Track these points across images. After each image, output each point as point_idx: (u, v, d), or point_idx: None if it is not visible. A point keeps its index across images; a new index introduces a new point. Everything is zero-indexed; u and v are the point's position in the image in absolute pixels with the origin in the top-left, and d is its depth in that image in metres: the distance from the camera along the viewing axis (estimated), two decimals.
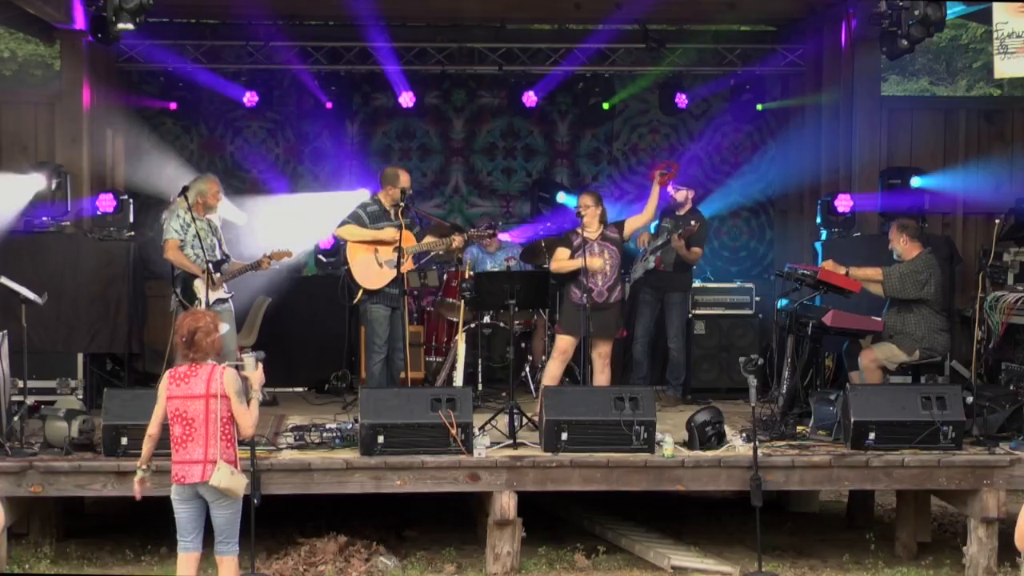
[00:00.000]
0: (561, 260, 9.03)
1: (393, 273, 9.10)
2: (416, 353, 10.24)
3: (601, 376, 8.97)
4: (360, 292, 9.29)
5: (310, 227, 11.06)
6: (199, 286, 8.77)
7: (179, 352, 6.25)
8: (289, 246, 9.35)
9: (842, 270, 8.87)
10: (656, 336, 10.42)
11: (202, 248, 8.66)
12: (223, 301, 8.91)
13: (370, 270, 9.21)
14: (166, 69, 11.51)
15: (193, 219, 8.71)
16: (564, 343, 9.00)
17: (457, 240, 9.37)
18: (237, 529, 6.31)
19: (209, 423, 6.12)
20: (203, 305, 8.68)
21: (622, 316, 9.29)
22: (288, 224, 10.92)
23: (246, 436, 6.52)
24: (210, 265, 8.65)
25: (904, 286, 8.79)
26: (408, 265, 9.13)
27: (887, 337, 8.87)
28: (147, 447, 6.31)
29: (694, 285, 10.63)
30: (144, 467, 6.31)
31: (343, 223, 9.34)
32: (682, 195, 10.26)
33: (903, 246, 8.93)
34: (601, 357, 8.98)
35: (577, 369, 9.35)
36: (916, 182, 10.87)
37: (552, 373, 9.00)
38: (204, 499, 6.19)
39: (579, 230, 9.01)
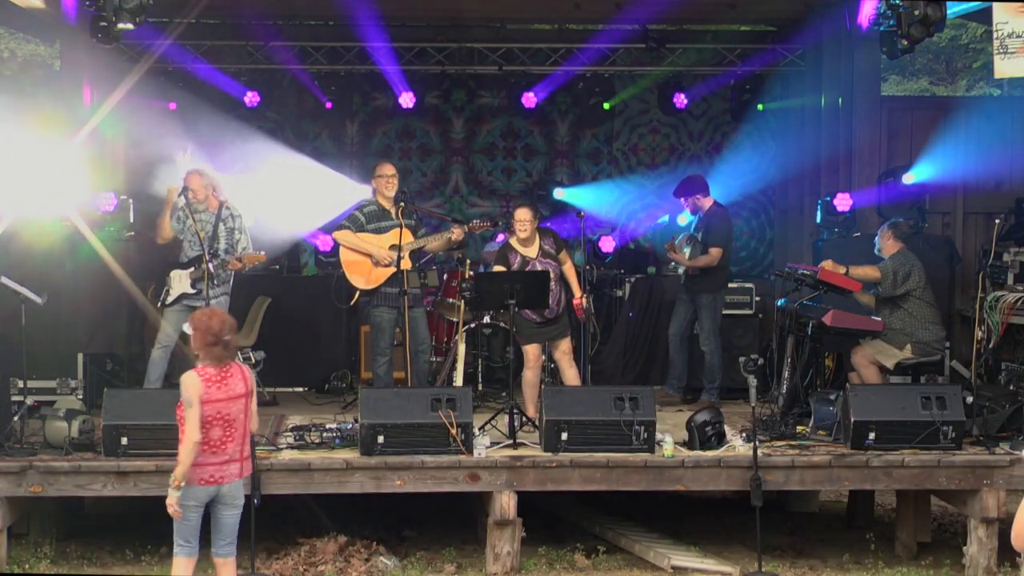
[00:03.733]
0: None
1: (388, 272, 9.08)
2: None
3: (569, 372, 8.97)
4: (357, 294, 9.27)
5: (310, 207, 11.09)
6: (171, 280, 8.78)
7: (209, 353, 6.03)
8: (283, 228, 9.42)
9: (842, 270, 8.88)
10: (690, 336, 10.30)
11: (190, 243, 8.77)
12: (190, 296, 8.76)
13: (365, 270, 9.16)
14: (166, 69, 11.52)
15: (187, 214, 8.77)
16: (531, 352, 8.98)
17: (456, 232, 9.20)
18: (237, 530, 6.30)
19: (247, 420, 6.16)
20: (170, 300, 8.70)
21: (570, 315, 9.25)
22: (291, 200, 11.12)
23: (254, 431, 6.50)
24: (211, 262, 8.64)
25: (896, 281, 8.86)
26: (406, 263, 9.07)
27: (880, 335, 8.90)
28: (189, 458, 5.90)
29: None
30: (178, 484, 5.93)
31: (340, 226, 9.27)
32: (691, 203, 10.20)
33: (885, 242, 9.07)
34: (565, 355, 8.98)
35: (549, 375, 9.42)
36: (910, 178, 10.85)
37: (530, 380, 8.98)
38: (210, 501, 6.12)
39: (512, 242, 8.98)
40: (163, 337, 8.80)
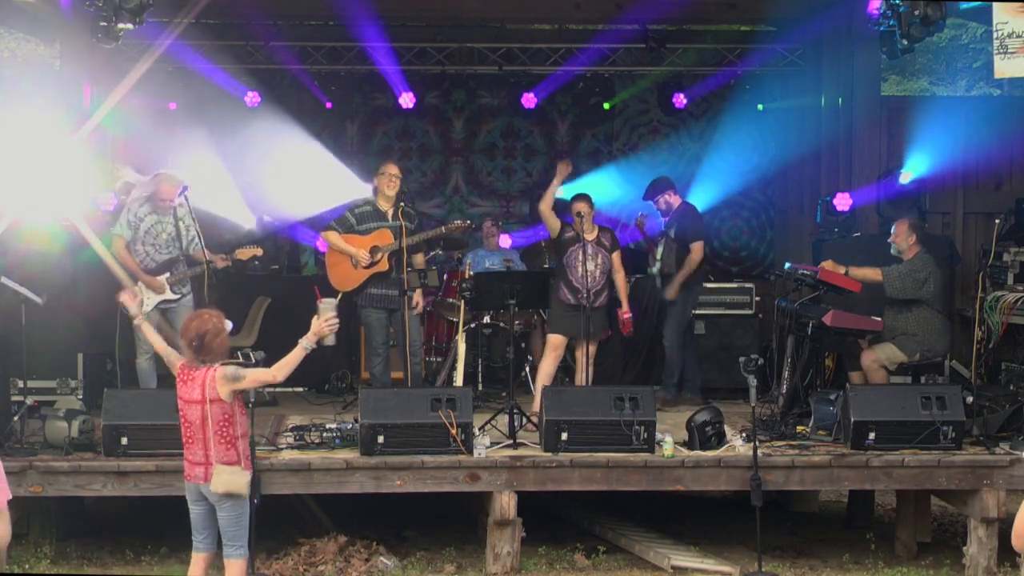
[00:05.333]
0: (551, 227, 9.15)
1: (366, 274, 9.05)
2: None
3: (580, 374, 9.02)
4: (339, 295, 9.26)
5: (313, 199, 11.09)
6: (140, 288, 8.69)
7: (187, 355, 6.14)
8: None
9: (842, 270, 8.86)
10: (693, 337, 10.30)
11: (155, 247, 8.72)
12: (171, 302, 8.76)
13: (345, 271, 9.16)
14: (166, 68, 11.51)
15: (140, 217, 8.72)
16: (555, 340, 9.07)
17: (431, 234, 9.19)
18: (244, 533, 6.21)
19: (206, 427, 6.07)
20: (147, 308, 8.63)
21: (607, 320, 9.31)
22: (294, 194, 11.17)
23: (278, 381, 6.33)
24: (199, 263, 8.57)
25: (904, 285, 8.79)
26: (383, 265, 9.05)
27: (888, 338, 8.87)
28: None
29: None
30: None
31: (328, 227, 9.29)
32: (662, 202, 10.18)
33: (908, 243, 8.90)
34: (583, 356, 9.00)
35: (572, 366, 9.40)
36: (907, 176, 10.84)
37: (546, 370, 9.03)
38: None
39: (574, 226, 9.08)
40: (143, 345, 8.58)
